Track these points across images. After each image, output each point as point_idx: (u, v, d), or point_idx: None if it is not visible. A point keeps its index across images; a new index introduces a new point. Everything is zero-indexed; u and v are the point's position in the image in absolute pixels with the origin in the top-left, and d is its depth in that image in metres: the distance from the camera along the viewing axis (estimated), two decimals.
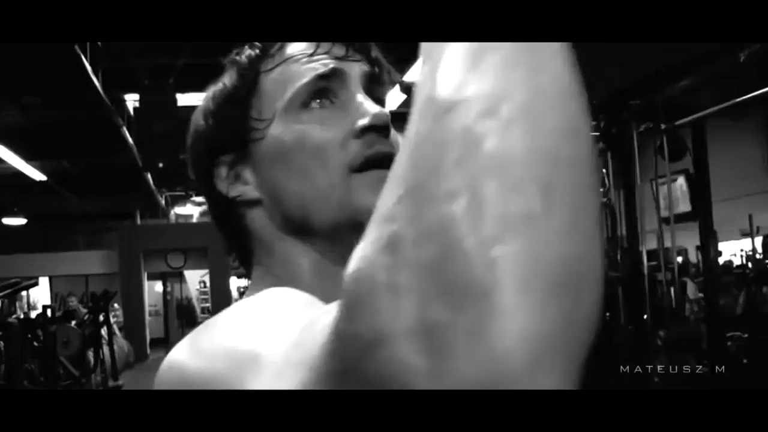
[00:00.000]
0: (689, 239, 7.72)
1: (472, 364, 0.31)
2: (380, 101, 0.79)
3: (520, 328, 0.31)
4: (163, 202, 15.17)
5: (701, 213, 4.83)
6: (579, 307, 0.32)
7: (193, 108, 0.85)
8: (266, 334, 0.54)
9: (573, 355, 0.32)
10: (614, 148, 4.45)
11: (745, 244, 9.99)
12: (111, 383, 9.58)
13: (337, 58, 0.77)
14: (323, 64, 0.76)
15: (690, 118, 4.56)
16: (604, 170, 4.49)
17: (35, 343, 7.59)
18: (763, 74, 4.30)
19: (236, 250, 0.82)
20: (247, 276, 0.81)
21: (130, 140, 9.00)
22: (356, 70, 0.78)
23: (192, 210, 17.09)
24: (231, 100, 0.78)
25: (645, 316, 4.58)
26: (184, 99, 7.41)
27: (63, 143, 10.41)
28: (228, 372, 0.53)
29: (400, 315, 0.33)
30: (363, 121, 0.74)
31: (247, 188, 0.78)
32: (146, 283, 17.16)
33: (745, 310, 6.64)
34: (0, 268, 13.97)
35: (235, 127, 0.78)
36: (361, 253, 0.36)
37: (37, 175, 10.87)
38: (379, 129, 0.74)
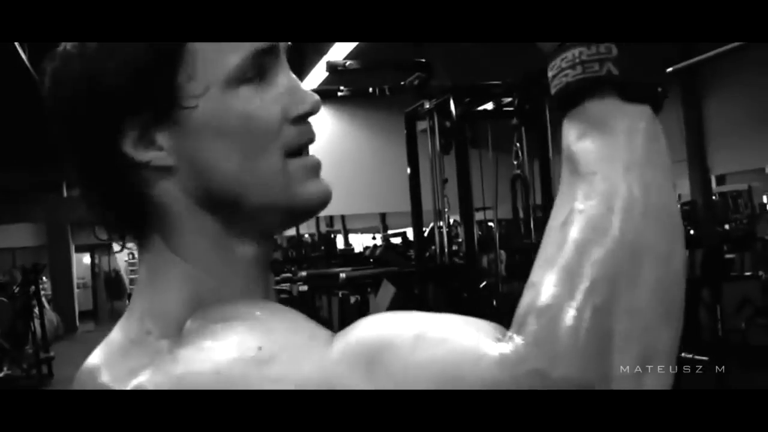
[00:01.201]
0: None
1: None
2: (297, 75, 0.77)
3: None
4: None
5: None
6: None
7: None
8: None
9: None
10: (528, 124, 4.69)
11: None
12: (42, 355, 9.59)
13: None
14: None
15: None
16: (518, 144, 4.73)
17: None
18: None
19: (122, 220, 0.75)
20: (139, 246, 0.75)
21: None
22: (282, 44, 0.74)
23: None
24: (157, 55, 0.68)
25: None
26: None
27: None
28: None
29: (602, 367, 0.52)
30: (304, 108, 0.73)
31: (161, 155, 0.70)
32: (74, 256, 16.93)
33: None
34: None
35: (158, 87, 0.69)
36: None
37: None
38: (310, 116, 0.74)
